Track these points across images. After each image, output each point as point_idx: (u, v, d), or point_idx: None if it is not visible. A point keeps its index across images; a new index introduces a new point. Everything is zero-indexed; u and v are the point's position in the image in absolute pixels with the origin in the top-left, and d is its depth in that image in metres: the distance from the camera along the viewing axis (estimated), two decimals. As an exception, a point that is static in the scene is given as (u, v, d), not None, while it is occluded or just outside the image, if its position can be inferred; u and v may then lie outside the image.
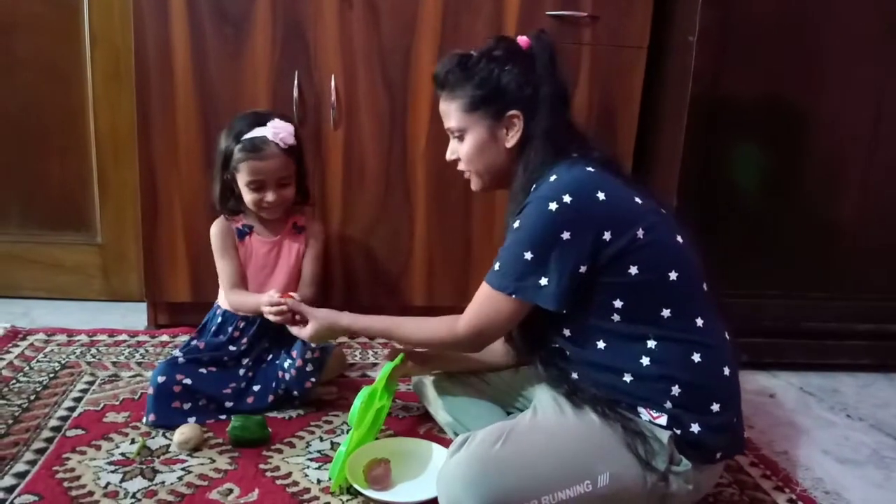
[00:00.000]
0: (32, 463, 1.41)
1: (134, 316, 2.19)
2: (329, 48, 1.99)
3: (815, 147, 1.99)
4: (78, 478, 1.37)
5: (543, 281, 1.22)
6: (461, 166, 1.41)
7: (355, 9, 1.97)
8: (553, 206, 1.21)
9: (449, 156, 1.42)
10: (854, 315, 2.06)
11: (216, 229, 1.74)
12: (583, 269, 1.21)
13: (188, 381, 1.60)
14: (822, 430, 1.77)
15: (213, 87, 1.98)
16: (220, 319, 1.73)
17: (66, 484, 1.35)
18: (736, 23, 1.89)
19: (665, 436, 1.20)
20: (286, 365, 1.65)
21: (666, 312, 1.22)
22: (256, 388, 1.67)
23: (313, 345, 1.63)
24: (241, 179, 1.66)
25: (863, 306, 2.06)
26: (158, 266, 2.08)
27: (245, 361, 1.70)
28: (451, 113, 1.37)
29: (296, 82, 1.98)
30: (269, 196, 1.66)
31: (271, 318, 1.53)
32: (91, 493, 1.32)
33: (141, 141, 2.00)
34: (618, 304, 1.23)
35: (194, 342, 1.71)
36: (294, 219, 1.78)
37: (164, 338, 2.06)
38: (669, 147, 2.00)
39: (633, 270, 1.22)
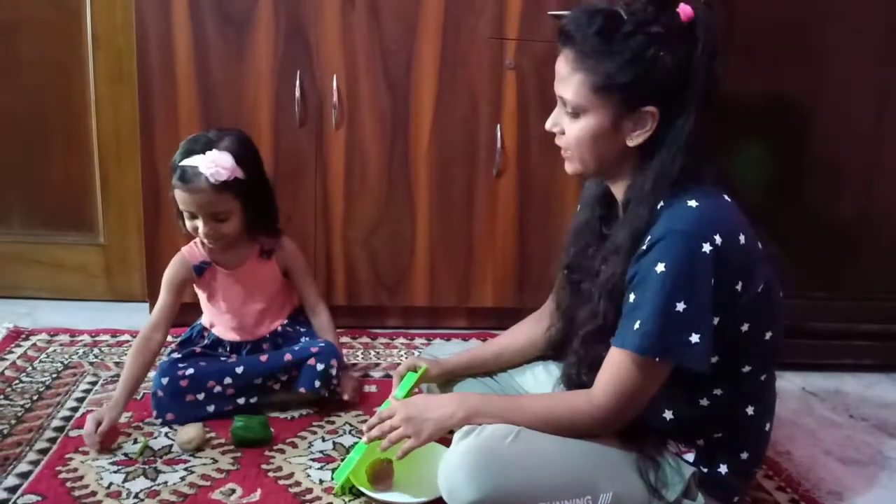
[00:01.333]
0: (35, 463, 1.41)
1: (137, 316, 2.19)
2: (331, 48, 1.99)
3: (818, 147, 1.98)
4: (81, 478, 1.37)
5: (694, 338, 1.06)
6: (562, 142, 1.19)
7: (357, 9, 1.97)
8: (707, 247, 1.06)
9: (550, 126, 1.19)
10: (857, 315, 2.05)
11: (171, 262, 1.68)
12: (715, 321, 1.09)
13: (191, 370, 1.59)
14: (824, 430, 1.76)
15: (215, 88, 1.99)
16: (206, 342, 1.71)
17: (68, 484, 1.35)
18: (736, 23, 1.88)
19: (688, 471, 1.17)
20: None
21: (746, 368, 1.18)
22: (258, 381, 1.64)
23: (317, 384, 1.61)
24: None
25: (866, 306, 2.05)
26: (161, 266, 2.05)
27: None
28: (573, 84, 1.12)
29: (297, 82, 1.98)
30: (202, 228, 1.57)
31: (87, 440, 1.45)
32: (94, 494, 1.32)
33: (143, 141, 2.01)
34: (714, 359, 1.12)
35: (179, 354, 1.67)
36: (260, 243, 1.69)
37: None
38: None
39: (745, 328, 1.13)
